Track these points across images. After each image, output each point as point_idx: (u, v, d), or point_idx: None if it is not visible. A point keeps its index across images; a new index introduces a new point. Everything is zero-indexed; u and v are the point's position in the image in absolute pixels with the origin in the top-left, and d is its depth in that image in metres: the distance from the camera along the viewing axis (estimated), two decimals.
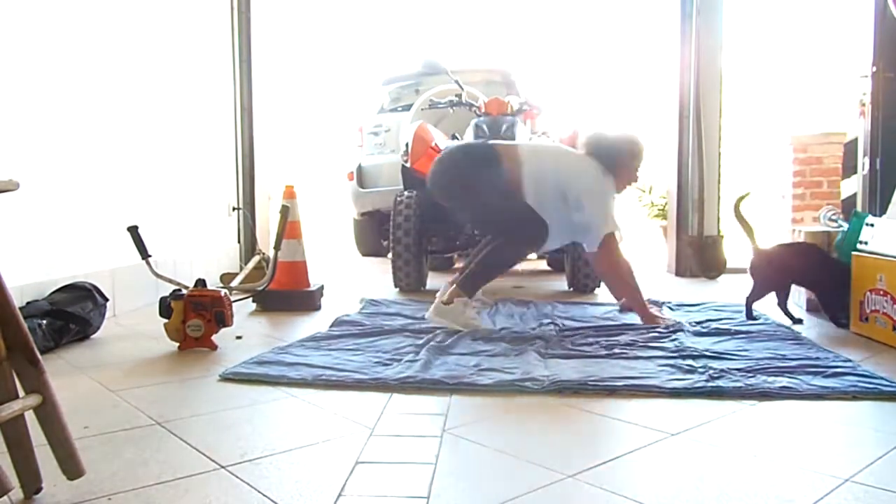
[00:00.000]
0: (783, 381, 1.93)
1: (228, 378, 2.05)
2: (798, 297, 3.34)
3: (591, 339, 2.49)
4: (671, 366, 2.11)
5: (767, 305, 3.27)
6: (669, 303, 3.36)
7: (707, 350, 2.30)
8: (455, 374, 2.03)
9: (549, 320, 2.88)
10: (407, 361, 2.19)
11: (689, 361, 2.15)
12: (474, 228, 3.71)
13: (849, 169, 4.09)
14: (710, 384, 1.91)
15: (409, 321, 2.88)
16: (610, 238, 2.79)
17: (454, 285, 2.74)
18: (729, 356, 2.23)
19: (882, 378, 1.95)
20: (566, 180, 2.80)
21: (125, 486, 1.29)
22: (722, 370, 2.04)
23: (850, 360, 2.16)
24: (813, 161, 5.56)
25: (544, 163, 2.87)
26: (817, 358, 2.19)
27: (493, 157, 2.84)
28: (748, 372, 2.03)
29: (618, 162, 2.87)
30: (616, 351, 2.32)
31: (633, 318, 2.91)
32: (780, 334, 2.55)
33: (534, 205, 2.74)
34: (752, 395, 1.84)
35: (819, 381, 1.94)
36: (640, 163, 2.96)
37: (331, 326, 2.78)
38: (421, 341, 2.45)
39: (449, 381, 1.97)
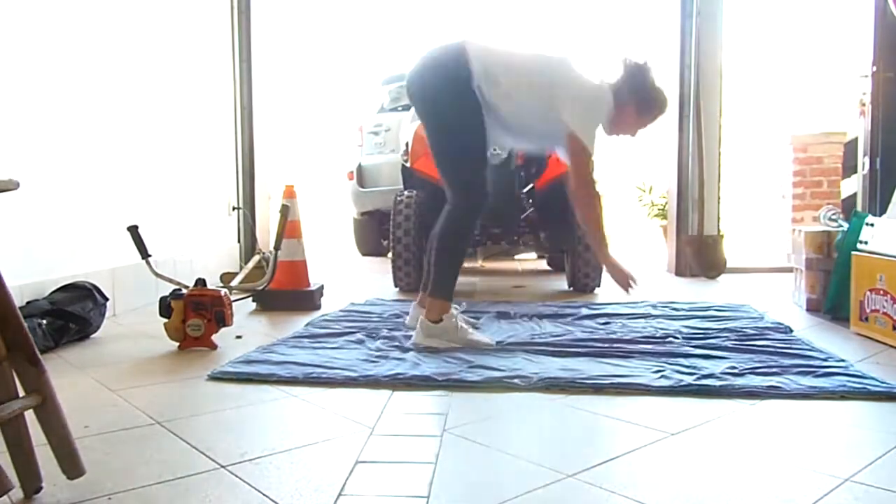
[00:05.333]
0: (772, 381, 1.93)
1: (217, 378, 2.05)
2: (798, 296, 3.34)
3: (581, 338, 2.49)
4: (660, 365, 2.11)
5: (766, 304, 3.27)
6: (673, 302, 3.35)
7: (698, 349, 2.31)
8: (445, 372, 2.04)
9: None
10: (394, 359, 2.20)
11: (679, 360, 2.16)
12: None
13: (849, 169, 4.09)
14: (697, 383, 1.91)
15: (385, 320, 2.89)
16: (582, 154, 2.45)
17: (428, 297, 2.45)
18: (719, 356, 2.23)
19: (872, 378, 1.95)
20: (554, 84, 2.44)
21: (125, 485, 1.29)
22: (710, 369, 2.04)
23: (843, 361, 2.16)
24: (813, 161, 5.56)
25: (533, 74, 2.48)
26: (810, 358, 2.19)
27: (462, 60, 2.38)
28: (737, 371, 2.03)
29: (636, 98, 2.51)
30: (606, 349, 2.32)
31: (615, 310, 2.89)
32: (775, 334, 2.56)
33: (505, 107, 2.41)
34: (738, 394, 1.85)
35: (808, 381, 1.94)
36: (650, 120, 2.60)
37: (306, 325, 2.80)
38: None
39: (439, 377, 1.99)
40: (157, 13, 3.67)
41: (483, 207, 2.47)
